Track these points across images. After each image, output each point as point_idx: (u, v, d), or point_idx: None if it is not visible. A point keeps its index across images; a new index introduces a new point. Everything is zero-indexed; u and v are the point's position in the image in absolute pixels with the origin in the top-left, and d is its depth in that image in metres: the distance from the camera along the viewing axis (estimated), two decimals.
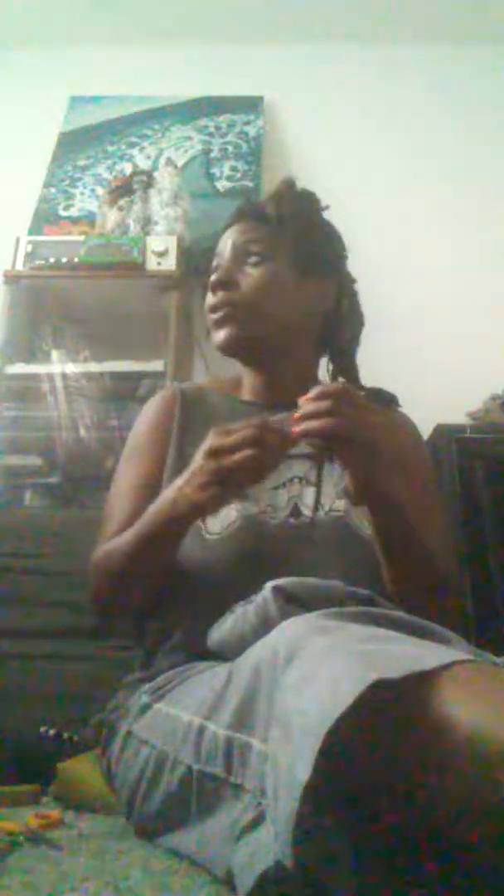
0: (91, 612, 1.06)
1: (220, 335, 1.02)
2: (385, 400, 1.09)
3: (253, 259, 1.01)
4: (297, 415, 0.76)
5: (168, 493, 0.84)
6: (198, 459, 0.78)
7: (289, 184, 1.08)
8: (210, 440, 0.78)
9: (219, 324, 1.02)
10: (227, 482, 0.76)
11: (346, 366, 1.10)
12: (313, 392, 0.77)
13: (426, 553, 0.88)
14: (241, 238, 1.03)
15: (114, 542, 0.92)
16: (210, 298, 1.03)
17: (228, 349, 1.03)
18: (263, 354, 1.04)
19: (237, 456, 0.74)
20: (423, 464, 1.06)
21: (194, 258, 1.17)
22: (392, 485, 0.81)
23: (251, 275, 1.01)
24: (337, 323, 1.08)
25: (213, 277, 1.02)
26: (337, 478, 0.93)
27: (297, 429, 0.75)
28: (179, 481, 0.81)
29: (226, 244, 1.04)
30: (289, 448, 0.77)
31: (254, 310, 1.00)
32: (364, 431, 0.76)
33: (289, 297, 1.02)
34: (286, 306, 1.02)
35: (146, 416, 1.07)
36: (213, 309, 1.02)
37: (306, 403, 0.76)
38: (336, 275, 1.08)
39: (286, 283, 1.02)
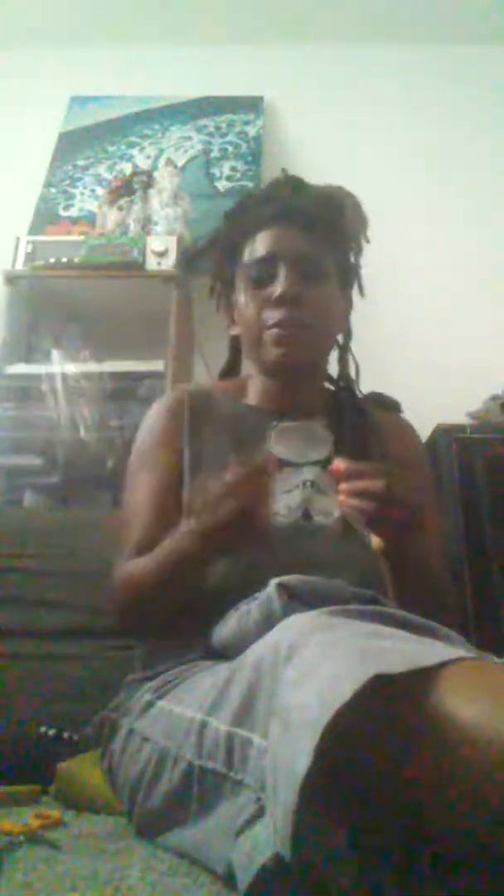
0: (116, 628, 1.07)
1: (283, 355, 0.97)
2: (387, 405, 1.11)
3: (317, 275, 0.98)
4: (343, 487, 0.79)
5: (184, 530, 0.84)
6: (210, 497, 0.79)
7: (350, 195, 1.05)
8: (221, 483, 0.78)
9: (285, 343, 0.97)
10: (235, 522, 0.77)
11: (347, 373, 1.10)
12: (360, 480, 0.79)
13: (436, 587, 0.91)
14: (306, 249, 0.98)
15: (138, 565, 0.90)
16: (275, 312, 0.97)
17: (286, 371, 1.00)
18: (305, 373, 1.03)
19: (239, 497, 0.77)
20: (421, 469, 1.08)
21: (197, 253, 1.15)
22: (415, 544, 0.84)
23: (319, 295, 0.98)
24: (347, 334, 1.09)
25: (282, 289, 0.96)
26: None
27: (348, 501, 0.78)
28: (193, 521, 0.81)
29: (284, 248, 0.98)
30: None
31: (318, 336, 1.00)
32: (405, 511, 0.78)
33: (339, 318, 1.04)
34: (337, 328, 1.05)
35: (154, 419, 1.05)
36: (282, 325, 0.97)
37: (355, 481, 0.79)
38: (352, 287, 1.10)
39: (339, 305, 1.03)
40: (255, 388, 1.07)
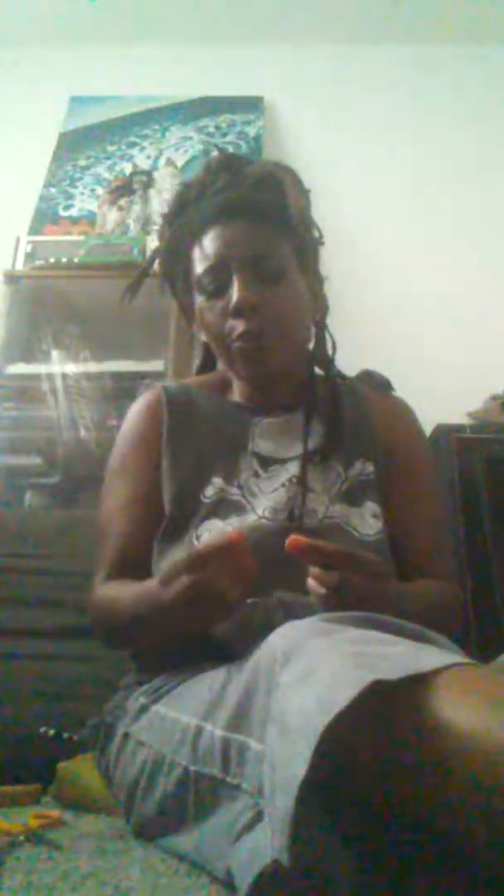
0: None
1: (253, 368, 0.93)
2: (378, 384, 1.06)
3: (273, 272, 0.92)
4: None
5: (159, 598, 0.73)
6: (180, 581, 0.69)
7: (288, 170, 0.97)
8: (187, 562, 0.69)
9: (251, 357, 0.92)
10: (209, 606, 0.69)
11: (324, 352, 1.04)
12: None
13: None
14: (256, 246, 0.92)
15: (114, 597, 0.86)
16: (235, 323, 0.91)
17: (260, 382, 0.97)
18: (282, 373, 0.97)
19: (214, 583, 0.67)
20: (417, 452, 1.02)
21: (145, 272, 1.03)
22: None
23: (278, 294, 0.92)
24: (322, 312, 1.02)
25: (237, 299, 0.89)
26: (331, 482, 0.92)
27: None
28: (167, 595, 0.71)
29: (232, 251, 0.91)
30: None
31: (286, 337, 0.93)
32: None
33: (306, 306, 0.97)
34: (307, 318, 0.98)
35: (132, 423, 1.00)
36: (244, 338, 0.91)
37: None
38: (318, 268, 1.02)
39: (303, 294, 0.96)
40: (235, 382, 1.03)
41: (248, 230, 0.92)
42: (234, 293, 0.90)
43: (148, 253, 1.93)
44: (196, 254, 0.95)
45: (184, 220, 0.98)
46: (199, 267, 0.95)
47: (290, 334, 0.95)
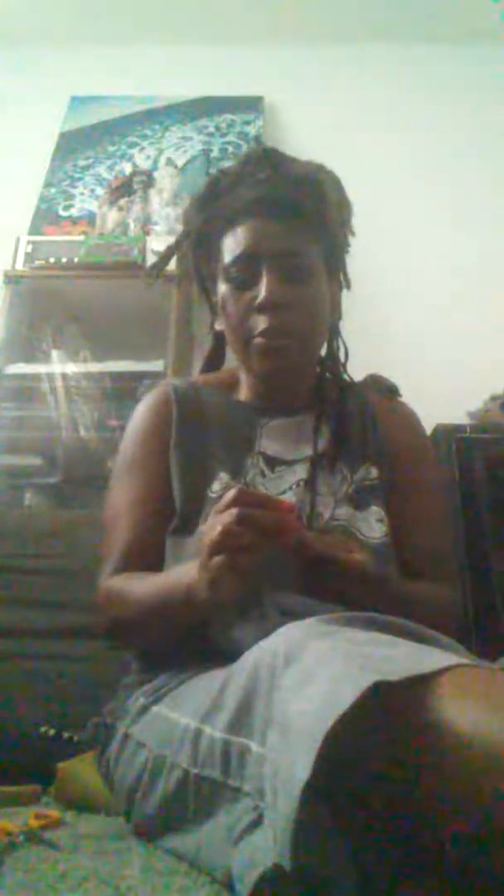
0: (103, 637, 1.01)
1: (270, 366, 0.93)
2: (385, 390, 1.07)
3: (302, 273, 0.92)
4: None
5: (185, 577, 0.75)
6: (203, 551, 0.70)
7: (331, 176, 0.98)
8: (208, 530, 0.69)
9: (271, 354, 0.91)
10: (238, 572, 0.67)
11: (336, 357, 1.04)
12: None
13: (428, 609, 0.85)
14: (289, 245, 0.91)
15: (126, 588, 0.86)
16: (259, 319, 0.91)
17: (273, 379, 0.96)
18: (295, 374, 0.98)
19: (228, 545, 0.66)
20: (421, 459, 1.02)
21: (170, 252, 1.04)
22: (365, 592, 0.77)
23: (305, 295, 0.92)
24: (336, 318, 1.03)
25: (265, 295, 0.89)
26: (336, 486, 0.92)
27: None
28: (195, 570, 0.72)
29: (265, 246, 0.91)
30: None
31: (307, 340, 0.94)
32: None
33: (326, 313, 0.97)
34: (324, 325, 0.98)
35: (140, 420, 1.00)
36: (267, 335, 0.90)
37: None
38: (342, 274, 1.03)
39: (327, 300, 0.97)
40: (243, 382, 1.02)
41: (284, 227, 0.92)
42: (263, 289, 0.90)
43: (148, 253, 1.94)
44: (227, 242, 0.95)
45: (217, 206, 0.98)
46: (228, 256, 0.94)
47: (311, 336, 0.95)
